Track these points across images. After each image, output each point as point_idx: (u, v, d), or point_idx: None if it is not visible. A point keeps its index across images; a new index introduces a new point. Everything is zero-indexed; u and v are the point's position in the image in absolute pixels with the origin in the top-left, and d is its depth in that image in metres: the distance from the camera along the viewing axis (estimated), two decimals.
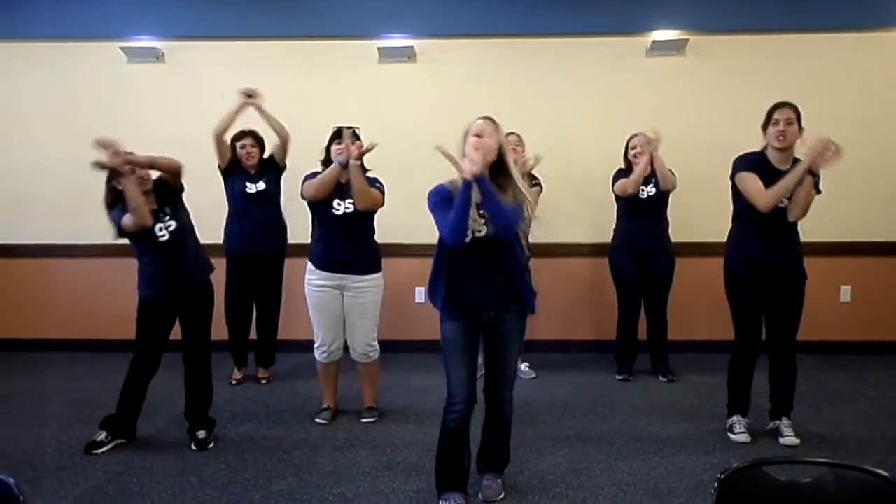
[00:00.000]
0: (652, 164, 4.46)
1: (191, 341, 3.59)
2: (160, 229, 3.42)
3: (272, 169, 4.53)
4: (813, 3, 5.06)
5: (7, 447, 3.56)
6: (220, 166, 4.50)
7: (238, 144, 4.48)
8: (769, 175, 3.37)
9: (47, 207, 5.29)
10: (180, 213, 3.52)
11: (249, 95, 4.38)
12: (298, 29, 5.17)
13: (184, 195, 3.61)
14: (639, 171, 4.42)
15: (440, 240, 2.78)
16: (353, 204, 3.66)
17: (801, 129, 3.39)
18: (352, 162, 3.53)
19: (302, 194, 3.73)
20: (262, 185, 4.47)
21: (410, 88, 5.21)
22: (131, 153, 3.31)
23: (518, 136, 4.45)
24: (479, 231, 2.73)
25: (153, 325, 3.51)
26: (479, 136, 2.70)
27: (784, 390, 3.59)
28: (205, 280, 3.60)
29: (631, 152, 4.54)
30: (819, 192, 3.35)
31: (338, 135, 3.70)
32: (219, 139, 4.40)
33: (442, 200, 2.74)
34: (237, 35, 5.19)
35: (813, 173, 3.28)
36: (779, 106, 3.40)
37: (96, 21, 5.19)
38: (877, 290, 5.19)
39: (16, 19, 5.23)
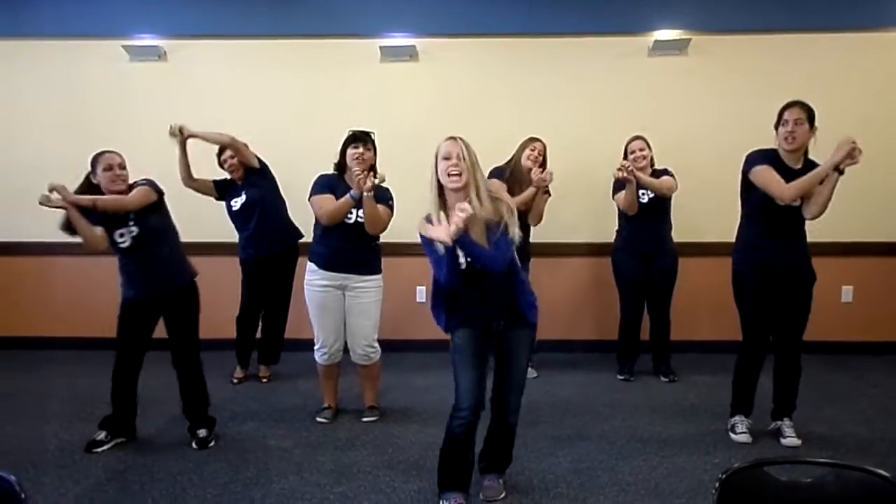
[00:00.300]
0: (650, 165, 4.53)
1: (176, 344, 3.56)
2: (121, 235, 3.40)
3: (252, 177, 4.46)
4: (815, 3, 5.05)
5: (8, 445, 3.56)
6: (215, 199, 4.51)
7: (222, 159, 4.45)
8: (782, 173, 3.35)
9: None
10: (150, 218, 3.45)
11: (179, 132, 4.17)
12: (300, 28, 5.16)
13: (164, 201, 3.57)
14: (628, 194, 4.38)
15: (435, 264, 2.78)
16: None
17: (813, 128, 3.36)
18: (365, 195, 3.49)
19: (311, 205, 3.70)
20: (243, 198, 4.44)
21: (412, 88, 5.21)
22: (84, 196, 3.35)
23: (543, 144, 4.46)
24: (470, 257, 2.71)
25: (131, 326, 3.50)
26: (447, 158, 2.68)
27: (787, 391, 3.59)
28: (185, 284, 3.55)
29: (630, 156, 4.51)
30: (841, 172, 3.25)
31: (353, 139, 3.67)
32: (189, 185, 4.37)
33: (429, 244, 2.71)
34: (239, 34, 5.19)
35: (839, 170, 3.23)
36: (789, 106, 3.38)
37: (98, 19, 5.20)
38: (878, 290, 5.19)
39: (18, 17, 5.23)
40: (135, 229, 3.41)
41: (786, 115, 3.35)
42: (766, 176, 3.35)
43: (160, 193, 3.51)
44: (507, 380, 2.89)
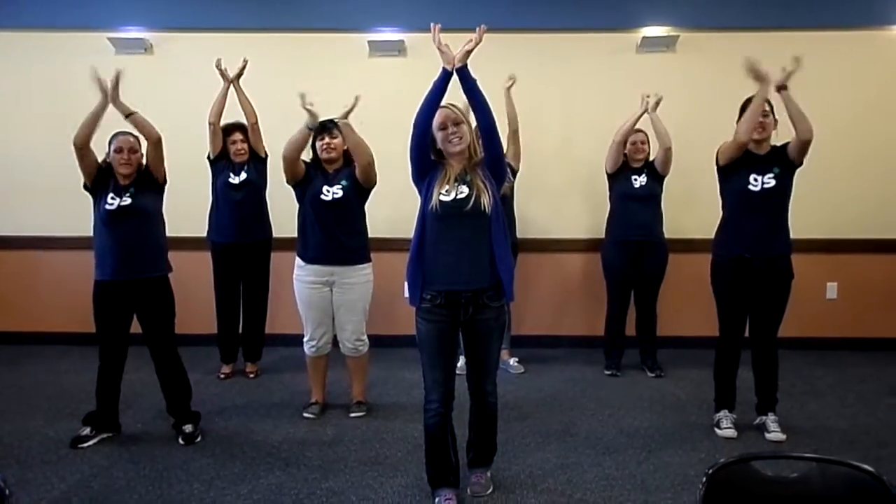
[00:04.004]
0: (646, 158, 4.60)
1: (150, 340, 3.54)
2: (112, 198, 3.41)
3: (256, 162, 4.51)
4: (805, 1, 5.07)
5: None
6: (209, 155, 4.48)
7: (229, 140, 4.45)
8: (749, 161, 3.47)
9: (34, 199, 5.24)
10: (147, 196, 3.47)
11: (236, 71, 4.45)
12: (288, 22, 5.14)
13: (165, 191, 3.61)
14: (631, 121, 4.50)
15: (419, 215, 2.80)
16: (341, 189, 3.67)
17: (775, 120, 3.49)
18: (342, 122, 3.56)
19: (287, 180, 3.73)
20: (243, 175, 4.45)
21: (400, 83, 5.16)
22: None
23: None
24: (462, 192, 2.73)
25: (107, 313, 3.46)
26: (443, 128, 2.77)
27: (767, 384, 3.63)
28: (157, 275, 3.51)
29: (629, 147, 4.56)
30: (785, 88, 3.40)
31: (319, 131, 3.70)
32: (214, 122, 4.40)
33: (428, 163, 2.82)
34: (226, 27, 5.14)
35: (782, 89, 3.40)
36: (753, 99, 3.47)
37: (84, 11, 5.14)
38: (863, 287, 5.23)
39: (2, 9, 5.17)
40: (128, 200, 3.42)
41: (782, 93, 3.43)
42: (724, 145, 3.53)
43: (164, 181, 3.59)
44: (480, 369, 2.90)
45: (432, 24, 2.80)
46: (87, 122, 3.38)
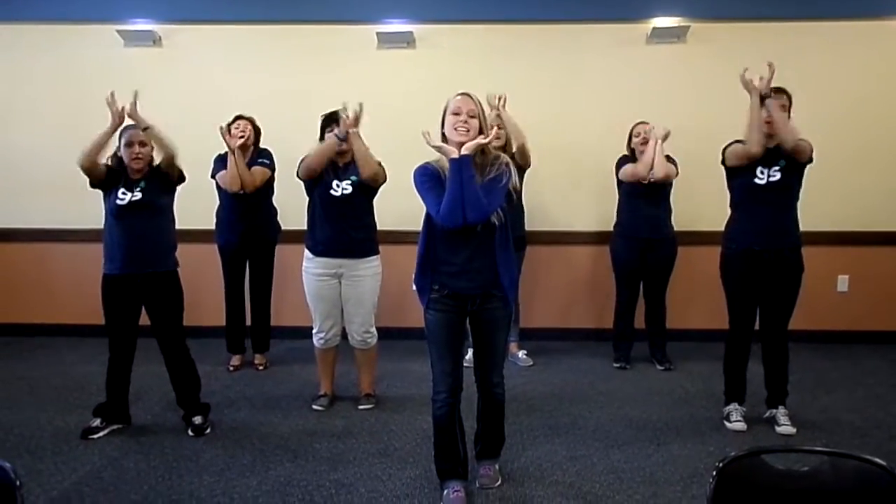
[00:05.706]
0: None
1: (159, 334, 3.55)
2: (123, 193, 3.41)
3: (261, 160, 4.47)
4: None
5: (4, 432, 3.55)
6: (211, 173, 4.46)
7: (233, 125, 4.37)
8: (760, 155, 3.43)
9: (44, 192, 5.26)
10: (156, 193, 3.47)
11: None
12: (297, 13, 5.12)
13: (178, 189, 3.62)
14: (647, 156, 4.41)
15: (424, 222, 2.78)
16: (350, 185, 3.67)
17: (789, 115, 3.45)
18: (351, 131, 3.53)
19: (298, 174, 3.73)
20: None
21: (409, 74, 5.17)
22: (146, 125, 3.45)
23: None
24: None
25: (115, 306, 3.47)
26: (456, 113, 2.70)
27: (777, 377, 3.61)
28: (165, 270, 3.51)
29: (635, 140, 4.53)
30: (768, 96, 3.39)
31: (329, 120, 3.71)
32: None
33: (430, 179, 2.73)
34: (235, 19, 5.15)
35: (763, 97, 3.37)
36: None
37: (93, 4, 5.15)
38: (874, 279, 5.20)
39: (11, 2, 5.18)
40: (139, 195, 3.42)
41: (765, 101, 3.40)
42: (734, 151, 3.50)
43: (180, 180, 3.59)
44: (487, 360, 2.90)
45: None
46: (92, 149, 3.36)
